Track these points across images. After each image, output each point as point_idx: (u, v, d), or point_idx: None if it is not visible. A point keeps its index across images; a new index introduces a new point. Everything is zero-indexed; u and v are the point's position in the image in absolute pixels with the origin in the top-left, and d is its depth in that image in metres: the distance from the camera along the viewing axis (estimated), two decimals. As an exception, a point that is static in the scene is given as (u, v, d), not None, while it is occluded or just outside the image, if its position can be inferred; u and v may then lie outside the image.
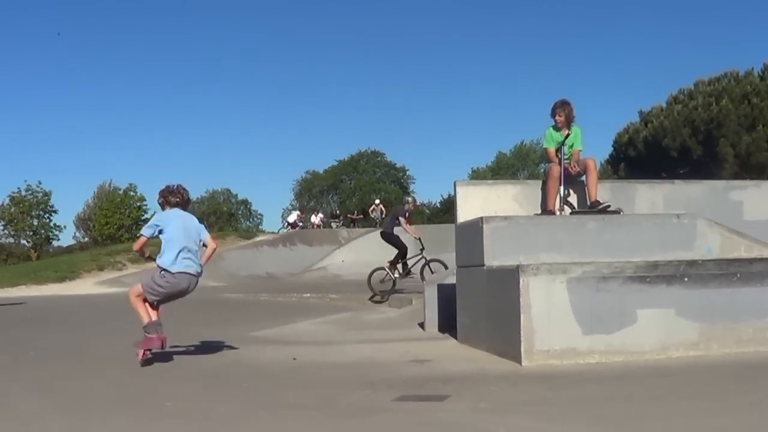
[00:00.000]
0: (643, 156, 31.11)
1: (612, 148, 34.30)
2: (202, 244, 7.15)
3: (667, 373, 5.65)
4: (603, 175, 23.73)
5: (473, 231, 7.39)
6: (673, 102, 31.55)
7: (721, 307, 6.38)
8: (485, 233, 7.10)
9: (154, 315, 6.93)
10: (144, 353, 6.83)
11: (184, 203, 7.19)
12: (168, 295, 6.97)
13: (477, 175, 61.31)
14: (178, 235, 6.88)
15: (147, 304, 6.95)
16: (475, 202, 8.14)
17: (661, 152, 29.84)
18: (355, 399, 5.05)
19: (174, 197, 7.12)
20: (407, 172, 70.92)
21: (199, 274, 7.02)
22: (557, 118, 8.13)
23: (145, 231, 7.00)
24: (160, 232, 6.93)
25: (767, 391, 5.00)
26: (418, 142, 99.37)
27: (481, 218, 7.23)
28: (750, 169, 27.03)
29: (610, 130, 58.39)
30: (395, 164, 70.52)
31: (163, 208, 7.20)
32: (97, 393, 5.53)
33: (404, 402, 4.87)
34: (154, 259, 7.01)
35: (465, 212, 8.08)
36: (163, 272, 6.87)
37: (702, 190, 8.84)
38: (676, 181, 9.59)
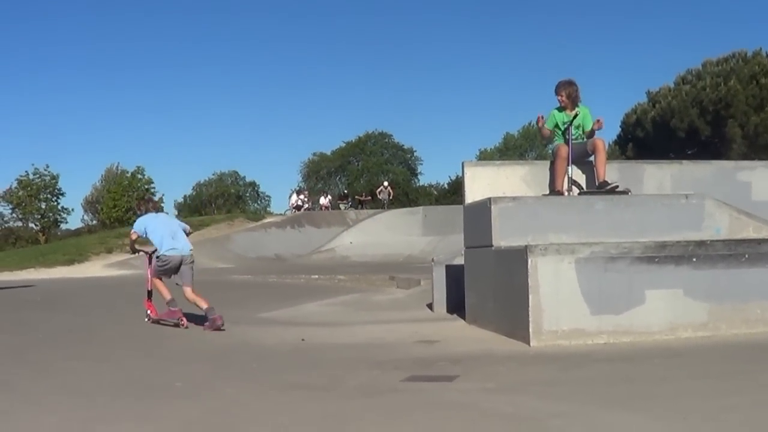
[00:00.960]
0: (651, 136, 30.92)
1: (620, 129, 34.09)
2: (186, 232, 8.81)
3: (676, 353, 5.65)
4: (611, 156, 23.59)
5: (481, 212, 7.38)
6: (681, 82, 31.31)
7: (729, 288, 6.37)
8: (493, 214, 7.10)
9: (167, 294, 8.38)
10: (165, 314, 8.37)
11: (156, 208, 9.34)
12: (168, 270, 8.44)
13: (485, 156, 60.98)
14: (160, 228, 8.51)
15: (164, 284, 8.53)
16: (483, 183, 8.12)
17: (669, 133, 29.65)
18: (363, 379, 5.07)
19: (146, 204, 9.22)
20: (415, 154, 70.65)
21: (188, 252, 8.50)
22: (559, 97, 8.08)
23: (136, 228, 8.69)
24: (145, 231, 8.56)
25: (776, 371, 5.00)
26: (425, 124, 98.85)
27: (490, 199, 7.22)
28: (758, 149, 26.83)
29: (618, 110, 58.15)
30: (403, 145, 70.19)
31: (143, 213, 8.95)
32: (106, 374, 5.58)
33: (413, 382, 4.89)
34: (140, 251, 9.16)
35: (473, 193, 8.06)
36: (158, 257, 8.44)
37: (710, 171, 8.78)
38: (684, 161, 9.53)
